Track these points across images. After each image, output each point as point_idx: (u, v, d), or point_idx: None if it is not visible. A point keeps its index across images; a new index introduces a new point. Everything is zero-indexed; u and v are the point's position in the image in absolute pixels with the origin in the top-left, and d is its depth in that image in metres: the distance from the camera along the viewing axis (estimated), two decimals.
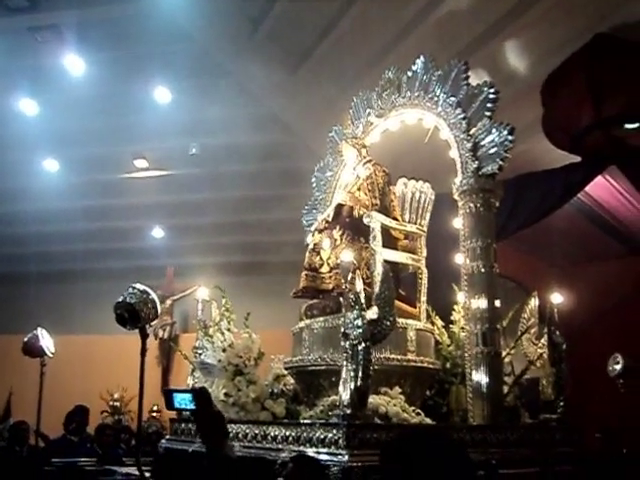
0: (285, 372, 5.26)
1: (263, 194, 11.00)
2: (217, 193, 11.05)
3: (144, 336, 3.41)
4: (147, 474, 3.66)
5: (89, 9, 7.95)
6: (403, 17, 7.58)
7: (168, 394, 2.90)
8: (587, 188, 8.14)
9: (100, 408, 11.79)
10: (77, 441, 6.57)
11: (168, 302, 12.88)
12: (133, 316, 3.33)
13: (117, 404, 12.19)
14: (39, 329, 5.65)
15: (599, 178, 7.98)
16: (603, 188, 8.43)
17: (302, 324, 5.28)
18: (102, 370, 11.97)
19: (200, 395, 2.94)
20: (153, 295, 3.38)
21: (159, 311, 3.40)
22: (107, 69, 8.77)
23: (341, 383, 4.10)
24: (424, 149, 5.92)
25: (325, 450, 3.96)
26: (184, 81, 9.08)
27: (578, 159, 7.81)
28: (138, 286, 3.39)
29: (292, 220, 10.71)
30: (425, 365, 5.06)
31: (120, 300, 3.35)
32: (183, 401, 2.87)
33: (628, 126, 7.36)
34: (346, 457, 3.80)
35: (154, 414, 12.02)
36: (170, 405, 2.90)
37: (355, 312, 4.17)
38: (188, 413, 3.59)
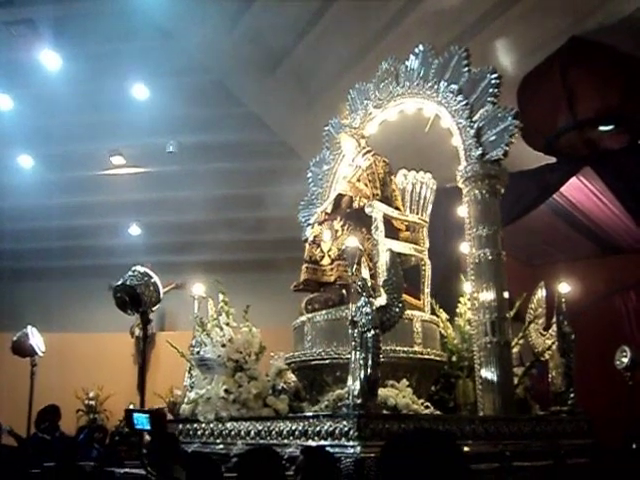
0: (287, 367, 5.07)
1: (242, 192, 10.85)
2: (194, 191, 10.91)
3: (145, 321, 3.23)
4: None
5: (65, 4, 7.75)
6: (381, 17, 7.55)
7: (129, 415, 2.72)
8: (562, 189, 8.10)
9: (75, 407, 11.57)
10: (50, 440, 6.35)
11: None
12: (134, 300, 3.12)
13: (92, 403, 11.90)
14: (29, 327, 5.39)
15: (573, 179, 7.96)
16: (577, 189, 8.40)
17: (303, 318, 5.11)
18: (78, 368, 11.68)
19: (155, 416, 2.77)
20: (155, 278, 3.19)
21: (161, 295, 3.21)
22: (84, 65, 8.53)
23: (350, 373, 3.93)
24: (421, 140, 5.82)
25: (335, 443, 3.78)
26: (162, 78, 8.88)
27: (553, 160, 7.79)
28: (139, 268, 3.20)
29: (271, 218, 10.70)
30: (432, 357, 4.90)
31: (120, 283, 3.15)
32: (141, 421, 2.70)
33: (602, 128, 7.39)
34: (358, 448, 3.62)
35: None
36: (131, 426, 2.73)
37: (363, 299, 4.01)
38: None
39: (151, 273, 3.21)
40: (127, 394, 11.73)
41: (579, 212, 9.16)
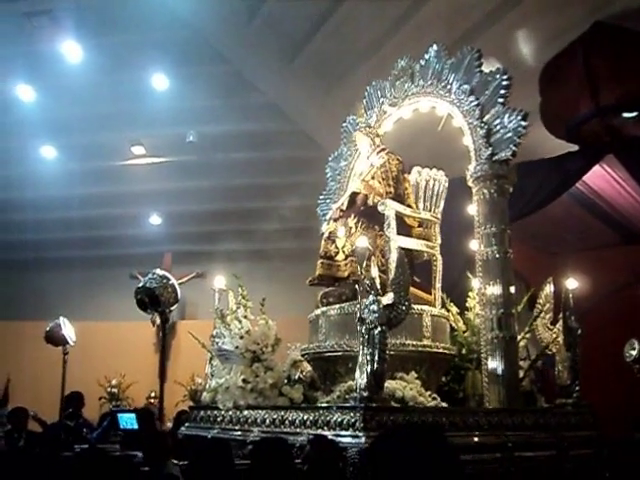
0: (302, 359, 5.32)
1: (261, 182, 10.99)
2: (214, 180, 11.05)
3: (164, 320, 3.49)
4: None
5: None
6: (398, 6, 7.61)
7: (113, 415, 2.88)
8: (584, 177, 8.09)
9: (98, 394, 11.86)
10: (74, 426, 6.62)
11: None
12: (153, 301, 3.38)
13: (115, 390, 12.15)
14: (61, 318, 5.70)
15: (596, 167, 7.92)
16: (600, 177, 8.36)
17: (318, 311, 5.34)
18: (100, 356, 11.91)
19: (143, 415, 2.94)
20: (173, 280, 3.45)
21: (179, 296, 3.46)
22: (104, 55, 8.73)
23: (358, 367, 4.16)
24: (436, 136, 5.94)
25: (343, 433, 4.02)
26: (182, 68, 9.05)
27: (576, 148, 7.77)
28: (158, 271, 3.47)
29: (291, 208, 10.80)
30: (440, 351, 5.10)
31: (140, 285, 3.42)
32: (129, 421, 2.84)
33: (626, 115, 7.33)
34: (363, 439, 3.85)
35: (151, 400, 12.13)
36: (116, 426, 2.88)
37: (371, 297, 4.22)
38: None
39: (169, 275, 3.46)
40: (149, 382, 12.07)
41: (601, 200, 9.13)
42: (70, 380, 7.74)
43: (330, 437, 3.87)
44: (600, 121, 7.47)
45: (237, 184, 11.10)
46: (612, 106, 7.26)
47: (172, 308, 3.51)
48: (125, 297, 12.49)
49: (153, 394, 12.10)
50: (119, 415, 2.65)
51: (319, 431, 4.17)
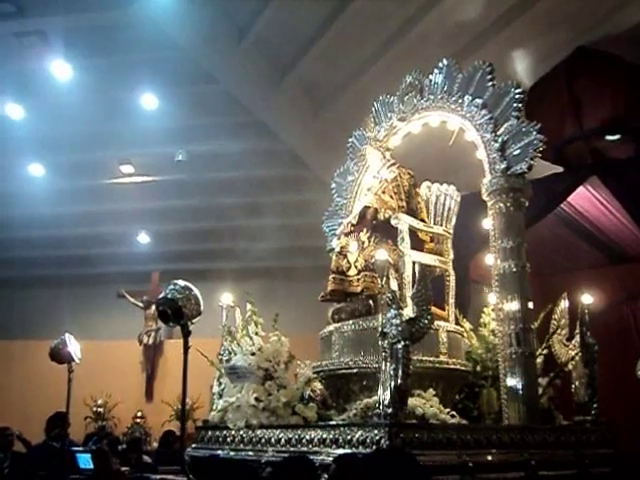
0: (315, 376, 5.17)
1: (250, 200, 10.99)
2: (203, 199, 11.09)
3: (186, 333, 3.34)
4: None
5: (76, 16, 7.93)
6: (388, 28, 7.65)
7: (72, 455, 2.74)
8: (569, 198, 8.12)
9: (83, 414, 11.66)
10: (59, 447, 6.43)
11: (153, 307, 12.70)
12: (176, 313, 3.25)
13: (100, 410, 12.02)
14: (66, 335, 5.55)
15: (580, 188, 7.98)
16: (584, 198, 8.41)
17: (331, 328, 5.22)
18: (86, 375, 11.61)
19: (98, 455, 2.84)
20: (196, 291, 3.31)
21: (201, 307, 3.33)
22: (94, 75, 8.77)
23: (380, 383, 4.03)
24: (446, 151, 5.91)
25: (366, 452, 3.88)
26: (171, 88, 9.12)
27: (560, 170, 7.83)
28: (180, 282, 3.33)
29: (279, 226, 10.78)
30: (457, 367, 5.00)
31: (162, 296, 3.28)
32: (88, 462, 2.72)
33: (609, 137, 7.43)
34: None
35: (138, 420, 11.92)
36: (75, 467, 2.74)
37: (392, 311, 4.11)
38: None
39: (191, 286, 3.33)
40: (135, 401, 11.93)
41: (586, 221, 9.16)
42: (56, 400, 7.54)
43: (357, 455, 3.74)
44: (584, 143, 7.57)
45: (226, 203, 11.16)
46: (595, 129, 7.37)
47: (194, 321, 3.36)
48: (112, 316, 12.41)
49: (140, 414, 11.94)
50: (78, 455, 2.49)
51: (340, 450, 4.04)
